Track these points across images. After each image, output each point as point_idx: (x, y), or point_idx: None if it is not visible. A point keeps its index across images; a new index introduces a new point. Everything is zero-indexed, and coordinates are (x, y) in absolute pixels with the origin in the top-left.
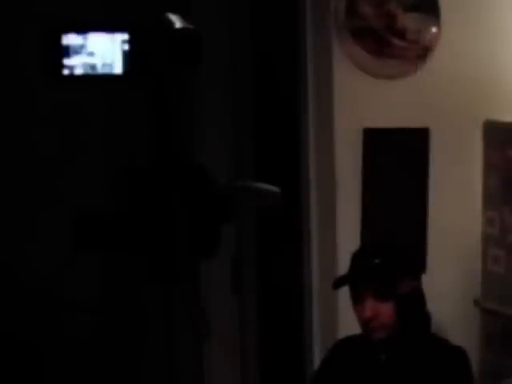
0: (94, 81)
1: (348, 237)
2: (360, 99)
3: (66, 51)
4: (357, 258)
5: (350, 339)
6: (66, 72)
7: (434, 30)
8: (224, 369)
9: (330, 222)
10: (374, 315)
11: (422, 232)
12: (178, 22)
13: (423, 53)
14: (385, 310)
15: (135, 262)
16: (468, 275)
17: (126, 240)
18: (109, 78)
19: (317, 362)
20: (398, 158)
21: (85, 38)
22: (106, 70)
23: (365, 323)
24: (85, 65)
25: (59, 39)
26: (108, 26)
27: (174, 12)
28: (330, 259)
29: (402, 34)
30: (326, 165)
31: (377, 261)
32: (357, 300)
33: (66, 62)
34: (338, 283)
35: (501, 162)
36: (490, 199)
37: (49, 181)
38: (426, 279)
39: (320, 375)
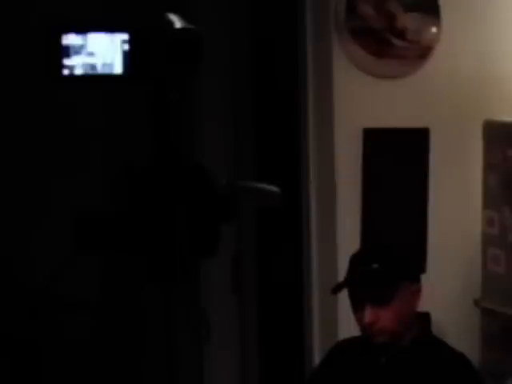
0: (94, 81)
1: (348, 237)
2: (360, 99)
3: (66, 51)
4: (355, 262)
5: (349, 341)
6: (65, 72)
7: (433, 30)
8: (224, 369)
9: (329, 223)
10: (373, 321)
11: (422, 232)
12: (177, 22)
13: (423, 53)
14: (385, 316)
15: (135, 262)
16: (468, 275)
17: (126, 240)
18: (109, 78)
19: (317, 362)
20: (398, 158)
21: (85, 38)
22: (106, 70)
23: (365, 328)
24: (85, 65)
25: (59, 39)
26: (108, 25)
27: (174, 12)
28: (329, 259)
29: (401, 34)
30: (326, 165)
31: (375, 266)
32: (356, 305)
33: (66, 62)
34: (337, 288)
35: (501, 162)
36: (489, 199)
37: (49, 181)
38: (426, 279)
39: (318, 376)
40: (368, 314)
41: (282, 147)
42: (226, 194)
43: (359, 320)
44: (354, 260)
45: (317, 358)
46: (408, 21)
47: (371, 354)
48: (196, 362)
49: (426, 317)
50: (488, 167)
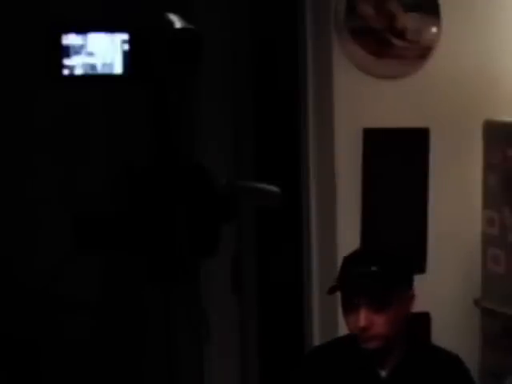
0: (94, 81)
1: (348, 237)
2: (360, 99)
3: (66, 51)
4: (351, 264)
5: (328, 348)
6: (65, 72)
7: (433, 30)
8: (224, 369)
9: (329, 222)
10: (368, 325)
11: (422, 232)
12: (177, 22)
13: (423, 53)
14: (379, 320)
15: (135, 262)
16: (468, 275)
17: (126, 240)
18: (109, 78)
19: None
20: (398, 158)
21: (85, 38)
22: (106, 70)
23: (357, 333)
24: (85, 65)
25: (59, 39)
26: (108, 26)
27: (174, 12)
28: (329, 259)
29: (401, 34)
30: (326, 165)
31: (374, 268)
32: (350, 308)
33: (66, 61)
34: (333, 290)
35: (501, 162)
36: (489, 199)
37: (49, 181)
38: (426, 279)
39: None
40: (363, 318)
41: (282, 147)
42: (226, 193)
43: (351, 323)
44: (350, 262)
45: None
46: (408, 21)
47: (364, 362)
48: (196, 362)
49: (426, 317)
50: (488, 167)
